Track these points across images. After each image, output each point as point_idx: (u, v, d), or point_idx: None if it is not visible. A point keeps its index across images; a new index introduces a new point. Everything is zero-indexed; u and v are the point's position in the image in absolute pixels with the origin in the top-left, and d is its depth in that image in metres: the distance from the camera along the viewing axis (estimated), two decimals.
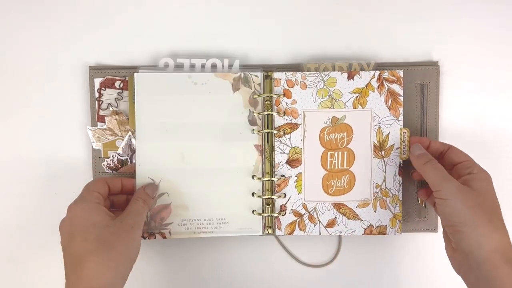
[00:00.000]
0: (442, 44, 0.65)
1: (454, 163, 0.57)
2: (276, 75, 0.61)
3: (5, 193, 0.65)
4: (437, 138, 0.64)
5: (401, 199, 0.61)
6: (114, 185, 0.59)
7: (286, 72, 0.61)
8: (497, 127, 0.65)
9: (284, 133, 0.61)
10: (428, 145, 0.59)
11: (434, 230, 0.64)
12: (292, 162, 0.61)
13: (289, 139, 0.61)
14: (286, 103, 0.61)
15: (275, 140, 0.61)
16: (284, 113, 0.61)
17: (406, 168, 0.62)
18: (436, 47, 0.65)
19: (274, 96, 0.61)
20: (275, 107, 0.61)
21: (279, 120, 0.61)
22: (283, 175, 0.61)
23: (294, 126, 0.61)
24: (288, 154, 0.61)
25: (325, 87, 0.61)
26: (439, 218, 0.63)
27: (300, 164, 0.61)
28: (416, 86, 0.63)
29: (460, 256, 0.52)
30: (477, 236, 0.50)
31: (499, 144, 0.66)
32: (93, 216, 0.53)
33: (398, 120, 0.61)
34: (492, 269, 0.49)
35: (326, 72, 0.61)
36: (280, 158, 0.61)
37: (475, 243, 0.50)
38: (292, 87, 0.61)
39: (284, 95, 0.61)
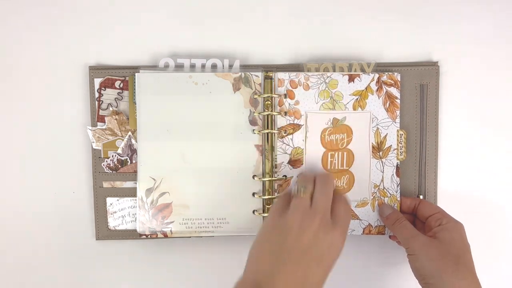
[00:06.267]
0: (442, 44, 0.70)
1: (426, 216, 0.65)
2: (280, 75, 0.67)
3: (5, 193, 0.70)
4: (437, 138, 0.69)
5: (399, 199, 0.68)
6: None
7: (289, 73, 0.67)
8: (497, 127, 0.71)
9: (286, 133, 0.67)
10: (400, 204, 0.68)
11: None
12: (294, 162, 0.67)
13: (291, 139, 0.67)
14: (289, 103, 0.67)
15: (278, 141, 0.67)
16: (285, 114, 0.67)
17: (403, 169, 0.69)
18: (436, 47, 0.70)
19: (275, 96, 0.67)
20: (278, 108, 0.67)
21: (281, 121, 0.67)
22: (285, 176, 0.68)
23: (296, 127, 0.67)
24: (290, 154, 0.67)
25: (327, 88, 0.67)
26: None
27: (302, 164, 0.68)
28: (416, 86, 0.68)
29: None
30: (443, 286, 0.57)
31: (499, 144, 0.71)
32: None
33: (395, 122, 0.67)
34: None
35: (329, 74, 0.67)
36: (282, 158, 0.67)
37: None
38: (296, 88, 0.67)
39: (286, 95, 0.67)
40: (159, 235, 0.68)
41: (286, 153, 0.68)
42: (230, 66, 0.69)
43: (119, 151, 0.69)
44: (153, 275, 0.72)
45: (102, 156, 0.69)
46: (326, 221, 0.55)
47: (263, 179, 0.67)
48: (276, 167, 0.68)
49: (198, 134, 0.67)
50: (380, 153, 0.68)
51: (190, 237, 0.68)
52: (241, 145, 0.68)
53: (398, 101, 0.68)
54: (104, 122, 0.69)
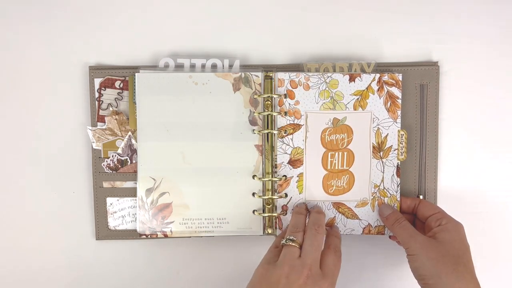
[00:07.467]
0: (442, 44, 0.71)
1: (426, 217, 0.65)
2: (280, 75, 0.68)
3: (5, 193, 0.71)
4: (437, 138, 0.70)
5: (399, 199, 0.69)
6: None
7: (290, 73, 0.68)
8: (497, 126, 0.72)
9: (286, 133, 0.68)
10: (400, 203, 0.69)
11: None
12: (294, 162, 0.68)
13: (292, 139, 0.68)
14: (289, 103, 0.68)
15: (278, 141, 0.68)
16: (285, 114, 0.68)
17: (403, 169, 0.69)
18: (436, 47, 0.71)
19: (275, 96, 0.68)
20: (278, 108, 0.68)
21: (281, 121, 0.68)
22: (285, 175, 0.68)
23: (296, 127, 0.68)
24: (290, 154, 0.68)
25: (327, 88, 0.68)
26: None
27: (302, 164, 0.68)
28: (416, 86, 0.69)
29: None
30: (442, 286, 0.58)
31: (499, 144, 0.72)
32: None
33: (396, 122, 0.68)
34: None
35: (329, 74, 0.68)
36: (282, 158, 0.68)
37: None
38: (296, 88, 0.68)
39: (286, 95, 0.67)
40: (159, 235, 0.68)
41: (286, 153, 0.68)
42: (230, 66, 0.69)
43: (119, 151, 0.69)
44: (153, 275, 0.72)
45: (102, 156, 0.69)
46: (314, 273, 0.57)
47: (263, 179, 0.68)
48: (276, 167, 0.68)
49: (198, 134, 0.68)
50: (381, 153, 0.68)
51: (190, 237, 0.69)
52: (241, 145, 0.68)
53: (400, 101, 0.68)
54: (104, 122, 0.69)
